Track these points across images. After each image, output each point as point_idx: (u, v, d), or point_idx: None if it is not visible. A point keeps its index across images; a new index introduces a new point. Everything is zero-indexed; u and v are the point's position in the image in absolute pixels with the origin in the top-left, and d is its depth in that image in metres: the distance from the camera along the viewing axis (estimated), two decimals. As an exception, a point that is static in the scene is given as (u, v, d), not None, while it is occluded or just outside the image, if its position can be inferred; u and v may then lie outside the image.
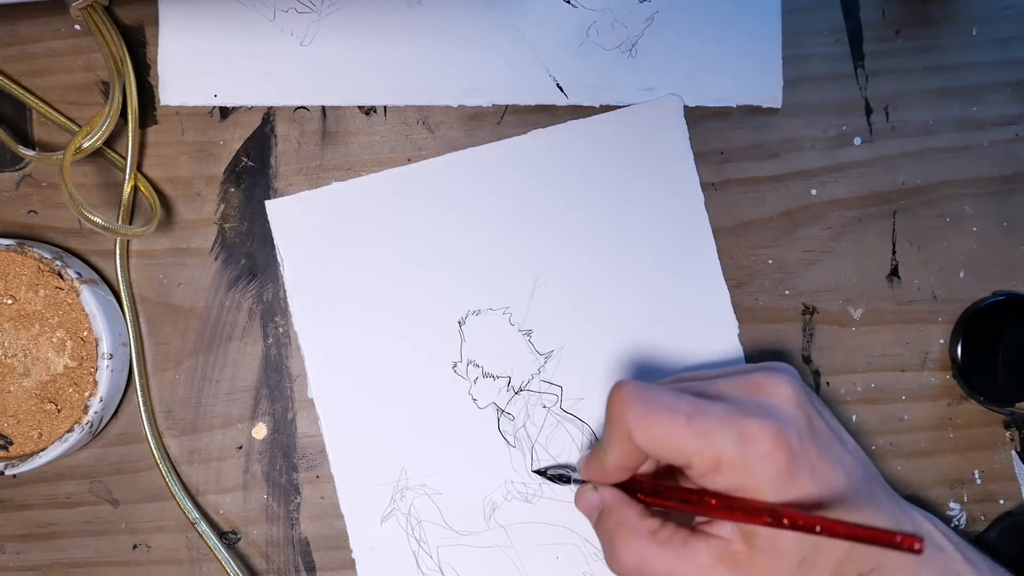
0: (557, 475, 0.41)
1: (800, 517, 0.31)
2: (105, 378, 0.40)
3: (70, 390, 0.40)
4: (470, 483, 0.42)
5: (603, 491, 0.37)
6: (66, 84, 0.43)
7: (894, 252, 0.43)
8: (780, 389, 0.34)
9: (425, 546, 0.42)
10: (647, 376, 0.42)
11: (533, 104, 0.43)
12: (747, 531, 0.33)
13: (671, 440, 0.33)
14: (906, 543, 0.29)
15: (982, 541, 0.42)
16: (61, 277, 0.40)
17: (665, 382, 0.38)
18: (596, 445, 0.37)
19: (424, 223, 0.43)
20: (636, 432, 0.33)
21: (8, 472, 0.39)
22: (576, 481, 0.40)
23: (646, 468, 0.38)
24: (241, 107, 0.43)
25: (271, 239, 0.43)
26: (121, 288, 0.42)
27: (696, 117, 0.43)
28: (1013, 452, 0.43)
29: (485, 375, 0.42)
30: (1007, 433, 0.43)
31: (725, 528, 0.33)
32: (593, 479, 0.38)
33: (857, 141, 0.43)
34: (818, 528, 0.30)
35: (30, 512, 0.43)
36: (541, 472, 0.41)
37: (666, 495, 0.35)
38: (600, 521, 0.36)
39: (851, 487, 0.34)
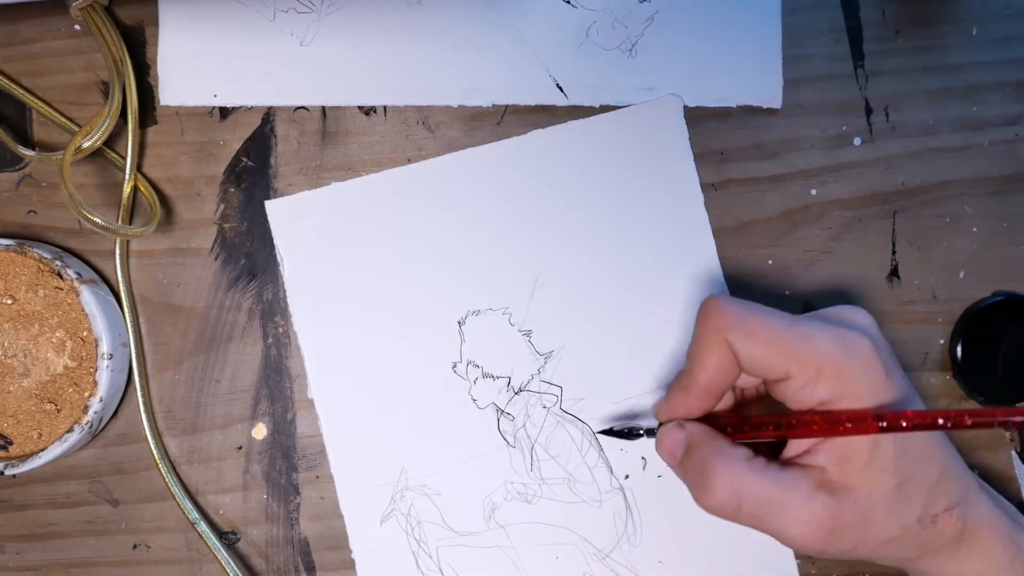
0: (627, 430, 0.39)
1: (918, 415, 0.30)
2: (105, 378, 0.40)
3: (70, 390, 0.40)
4: (470, 483, 0.42)
5: (689, 425, 0.35)
6: (66, 84, 0.43)
7: (894, 252, 0.43)
8: (861, 318, 0.34)
9: (425, 546, 0.42)
10: (650, 377, 0.42)
11: (533, 104, 0.43)
12: (842, 456, 0.32)
13: (774, 344, 0.32)
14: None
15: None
16: (61, 277, 0.40)
17: None
18: (678, 375, 0.35)
19: (424, 223, 0.43)
20: (738, 336, 0.32)
21: (8, 472, 0.39)
22: (649, 432, 0.38)
23: (723, 405, 0.36)
24: (241, 107, 0.43)
25: (271, 239, 0.43)
26: (121, 288, 0.42)
27: (696, 117, 0.43)
28: (1013, 452, 0.43)
29: (485, 375, 0.42)
30: (1007, 433, 0.43)
31: (819, 457, 0.32)
32: (675, 413, 0.36)
33: (857, 141, 0.43)
34: (941, 420, 0.29)
35: (30, 512, 0.43)
36: (608, 431, 0.40)
37: (758, 423, 0.34)
38: (687, 456, 0.34)
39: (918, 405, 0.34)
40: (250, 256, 0.43)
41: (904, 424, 0.30)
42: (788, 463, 0.33)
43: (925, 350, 0.43)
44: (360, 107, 0.43)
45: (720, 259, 0.43)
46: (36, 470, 0.40)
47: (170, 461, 0.43)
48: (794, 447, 0.33)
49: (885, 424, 0.30)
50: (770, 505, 0.32)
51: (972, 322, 0.42)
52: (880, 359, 0.32)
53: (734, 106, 0.43)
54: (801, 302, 0.43)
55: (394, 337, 0.42)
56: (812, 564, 0.42)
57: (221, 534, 0.43)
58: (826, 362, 0.32)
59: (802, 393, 0.32)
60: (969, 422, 0.30)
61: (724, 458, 0.33)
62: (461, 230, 0.43)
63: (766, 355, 0.32)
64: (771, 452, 0.34)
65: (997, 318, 0.42)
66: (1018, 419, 0.29)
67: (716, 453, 0.33)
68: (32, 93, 0.43)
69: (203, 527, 0.41)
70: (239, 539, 0.43)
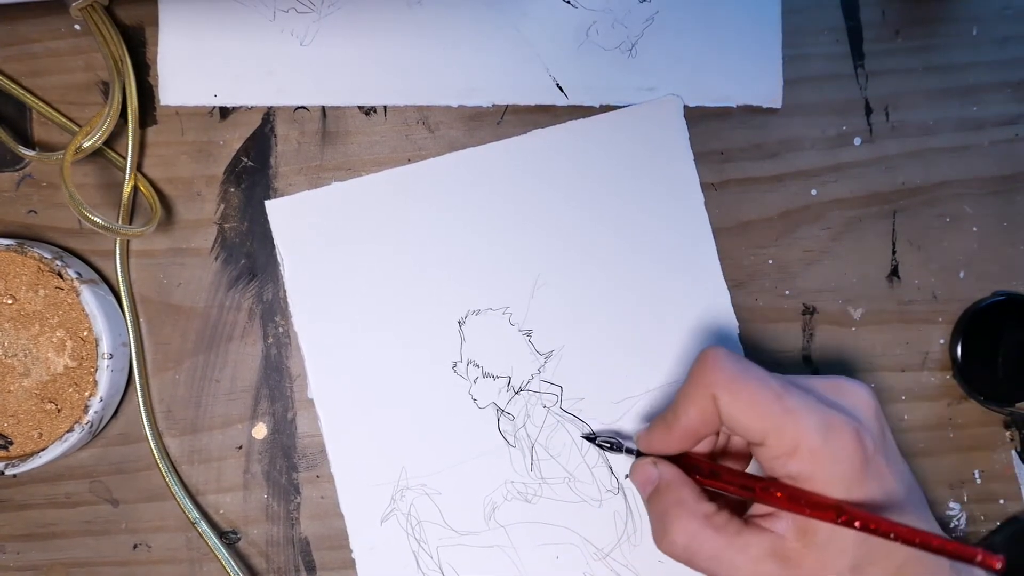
0: (608, 442, 0.40)
1: (873, 520, 0.30)
2: (105, 378, 0.40)
3: (70, 390, 0.40)
4: (470, 483, 0.42)
5: (662, 466, 0.36)
6: (66, 84, 0.43)
7: (894, 252, 0.43)
8: (860, 396, 0.34)
9: (425, 546, 0.42)
10: (650, 377, 0.42)
11: (533, 104, 0.43)
12: (803, 528, 0.32)
13: (757, 410, 0.32)
14: (988, 560, 0.28)
15: (987, 545, 0.42)
16: (61, 277, 0.40)
17: None
18: (665, 409, 0.36)
19: (424, 223, 0.43)
20: (723, 393, 0.33)
21: (8, 472, 0.39)
22: (628, 452, 0.39)
23: (702, 448, 0.37)
24: (241, 107, 0.43)
25: (271, 239, 0.43)
26: (121, 288, 0.42)
27: (696, 117, 0.43)
28: (1013, 452, 0.43)
29: (485, 375, 0.42)
30: (1007, 433, 0.43)
31: (780, 523, 0.33)
32: (653, 447, 0.37)
33: (857, 141, 0.43)
34: (893, 535, 0.29)
35: (30, 512, 0.43)
36: (590, 438, 0.40)
37: (727, 479, 0.35)
38: (654, 496, 0.36)
39: (906, 499, 0.33)
40: (250, 256, 0.43)
41: (857, 524, 0.30)
42: (751, 520, 0.34)
43: (925, 350, 0.43)
44: (360, 107, 0.43)
45: (720, 259, 0.43)
46: (36, 470, 0.40)
47: (170, 461, 0.43)
48: (760, 507, 0.34)
49: (841, 518, 0.30)
50: (720, 563, 0.33)
51: (972, 322, 0.42)
52: (862, 450, 0.32)
53: (734, 106, 0.43)
54: (801, 302, 0.43)
55: (394, 337, 0.42)
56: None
57: (221, 534, 0.43)
58: (804, 442, 0.32)
59: (775, 463, 0.33)
60: (917, 541, 0.30)
61: (685, 511, 0.34)
62: (461, 230, 0.43)
63: (747, 419, 0.33)
64: (743, 504, 0.35)
65: (997, 318, 0.42)
66: (948, 550, 0.29)
67: (678, 504, 0.34)
68: (32, 93, 0.43)
69: (203, 527, 0.41)
70: (239, 539, 0.43)
